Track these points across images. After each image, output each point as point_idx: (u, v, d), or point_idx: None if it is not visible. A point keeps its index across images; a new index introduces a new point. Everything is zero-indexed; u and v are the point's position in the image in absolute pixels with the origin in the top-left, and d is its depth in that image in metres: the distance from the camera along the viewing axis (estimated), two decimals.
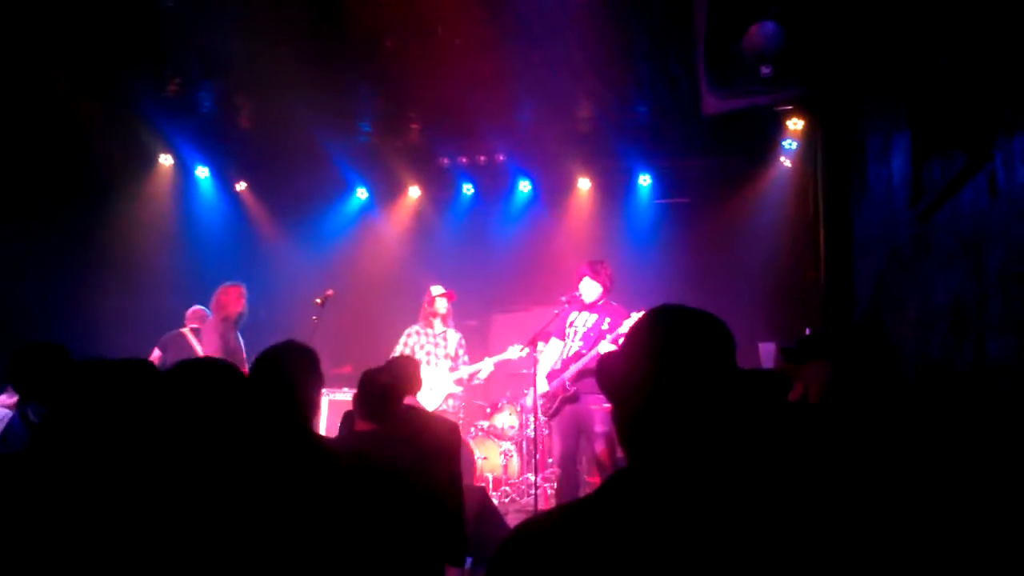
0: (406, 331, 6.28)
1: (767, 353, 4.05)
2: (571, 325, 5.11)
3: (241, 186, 8.78)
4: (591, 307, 5.04)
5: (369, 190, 9.00)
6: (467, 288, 6.84)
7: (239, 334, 5.77)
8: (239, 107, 7.34)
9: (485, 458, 6.60)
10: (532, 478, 5.79)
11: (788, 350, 2.62)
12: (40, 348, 2.98)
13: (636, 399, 1.12)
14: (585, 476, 6.04)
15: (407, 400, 3.41)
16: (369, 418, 2.95)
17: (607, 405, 4.55)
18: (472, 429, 6.69)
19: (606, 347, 4.78)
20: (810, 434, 2.10)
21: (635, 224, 8.33)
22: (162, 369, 1.74)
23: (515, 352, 5.91)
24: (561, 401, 4.97)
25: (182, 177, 8.37)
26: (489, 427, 6.76)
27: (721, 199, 7.74)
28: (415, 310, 6.41)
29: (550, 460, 6.25)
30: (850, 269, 3.67)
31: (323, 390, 2.64)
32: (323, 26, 5.53)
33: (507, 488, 6.54)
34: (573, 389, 4.90)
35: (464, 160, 8.49)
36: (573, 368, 4.91)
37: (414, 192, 8.94)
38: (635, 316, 4.73)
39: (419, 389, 3.91)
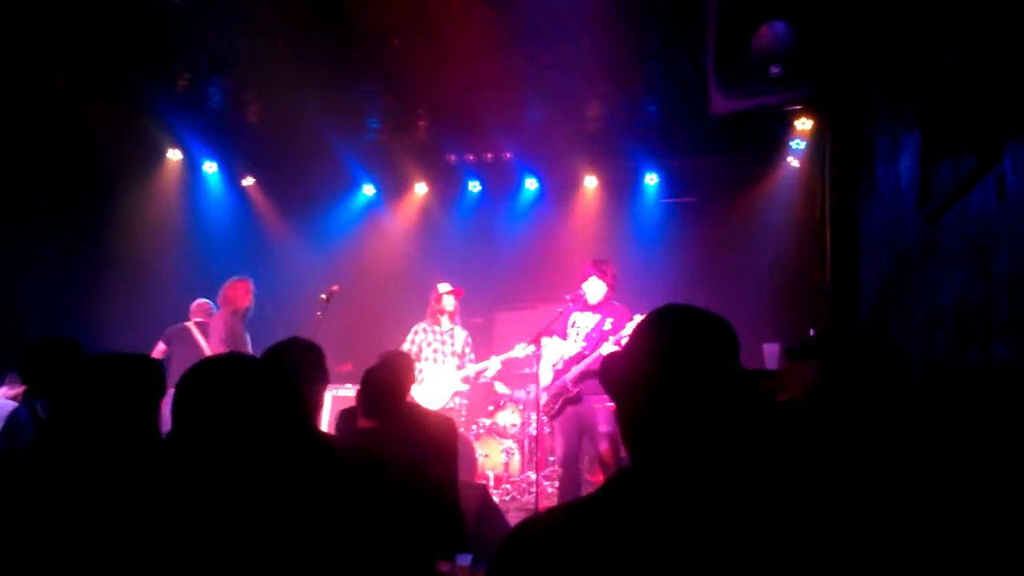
0: (413, 328, 6.26)
1: (771, 354, 4.05)
2: (573, 325, 5.10)
3: (248, 181, 8.80)
4: (594, 307, 5.04)
5: (376, 186, 9.01)
6: (473, 285, 6.83)
7: (245, 329, 5.80)
8: (247, 103, 7.36)
9: (486, 456, 6.60)
10: (533, 476, 5.79)
11: (792, 350, 2.62)
12: (54, 343, 3.00)
13: (640, 399, 1.12)
14: (587, 475, 6.04)
15: None
16: (371, 415, 2.96)
17: (610, 405, 4.55)
18: (474, 427, 6.69)
19: (609, 349, 4.77)
20: (796, 433, 2.10)
21: (641, 223, 8.31)
22: (166, 362, 1.75)
23: (522, 350, 5.91)
24: (563, 402, 4.96)
25: (190, 172, 8.40)
26: (491, 425, 6.76)
27: (728, 199, 7.72)
28: (421, 307, 6.41)
29: (551, 458, 6.25)
30: (857, 270, 3.66)
31: (327, 386, 2.66)
32: (331, 24, 5.54)
33: (508, 486, 6.54)
34: (576, 390, 4.88)
35: (471, 157, 8.48)
36: (575, 369, 4.90)
37: (421, 189, 8.94)
38: (638, 318, 4.72)
39: (414, 384, 3.92)
